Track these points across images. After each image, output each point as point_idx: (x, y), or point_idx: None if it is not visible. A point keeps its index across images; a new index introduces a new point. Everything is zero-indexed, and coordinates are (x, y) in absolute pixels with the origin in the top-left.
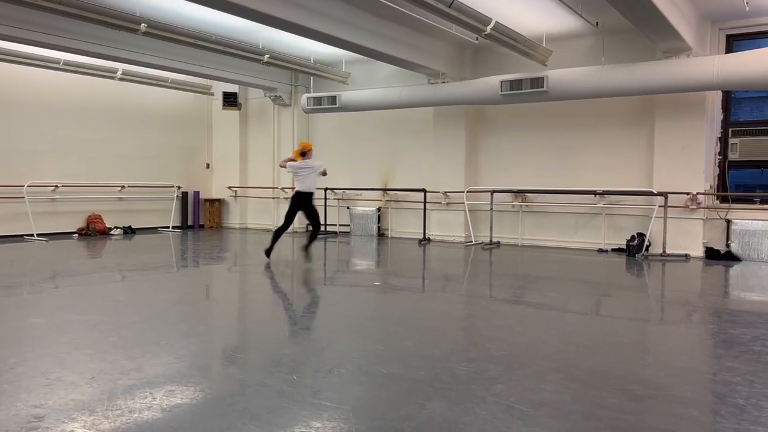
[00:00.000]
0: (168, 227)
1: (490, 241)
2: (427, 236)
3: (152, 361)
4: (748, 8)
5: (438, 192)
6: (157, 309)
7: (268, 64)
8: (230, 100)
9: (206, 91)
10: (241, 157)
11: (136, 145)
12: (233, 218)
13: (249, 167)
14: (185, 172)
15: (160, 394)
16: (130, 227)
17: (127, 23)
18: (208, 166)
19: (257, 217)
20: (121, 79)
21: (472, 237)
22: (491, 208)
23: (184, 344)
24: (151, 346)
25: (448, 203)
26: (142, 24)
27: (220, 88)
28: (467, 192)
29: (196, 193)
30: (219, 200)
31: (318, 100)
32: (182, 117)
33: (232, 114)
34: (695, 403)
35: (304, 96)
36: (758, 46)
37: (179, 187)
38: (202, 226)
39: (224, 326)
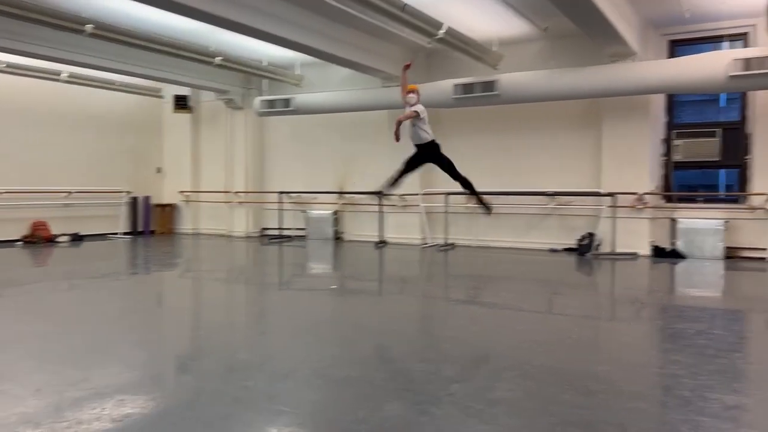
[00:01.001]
0: (117, 234)
1: (446, 242)
2: (383, 239)
3: (101, 370)
4: (688, 15)
5: (394, 195)
6: (106, 318)
7: (220, 66)
8: (181, 103)
9: (156, 94)
10: (193, 161)
11: (83, 149)
12: (185, 223)
13: (201, 171)
14: (135, 177)
15: (110, 404)
16: (77, 234)
17: (72, 24)
18: (158, 170)
19: (210, 222)
20: (66, 82)
21: (428, 239)
22: (446, 210)
23: (134, 353)
24: (100, 355)
25: (404, 206)
26: (88, 25)
27: (170, 90)
28: (423, 194)
29: (147, 198)
30: (170, 205)
31: (271, 103)
32: (131, 120)
33: (184, 117)
34: (644, 397)
35: (258, 99)
36: (698, 51)
37: (129, 192)
38: (153, 232)
39: (177, 334)
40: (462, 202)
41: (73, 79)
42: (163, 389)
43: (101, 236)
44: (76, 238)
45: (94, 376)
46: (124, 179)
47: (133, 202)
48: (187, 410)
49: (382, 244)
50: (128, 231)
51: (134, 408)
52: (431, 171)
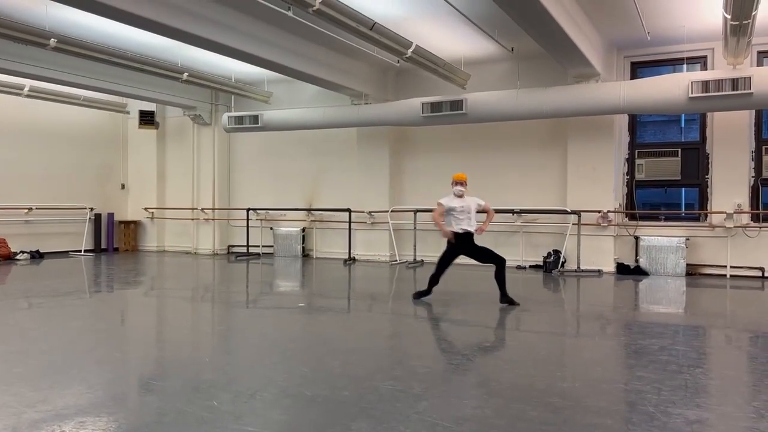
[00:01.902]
0: (80, 251)
1: (414, 259)
2: (352, 256)
3: (62, 391)
4: (649, 38)
5: (363, 212)
6: (67, 337)
7: (187, 82)
8: (147, 119)
9: (121, 109)
10: (159, 178)
11: (44, 165)
12: (150, 241)
13: (167, 188)
14: (99, 193)
15: (70, 426)
16: (38, 251)
17: (35, 38)
18: (123, 186)
19: (176, 240)
20: (28, 96)
21: (397, 256)
22: (415, 227)
23: (96, 373)
24: (60, 376)
25: (372, 223)
26: (52, 39)
27: (136, 106)
28: (391, 211)
29: (110, 215)
30: (135, 222)
31: (239, 120)
32: (95, 136)
33: (149, 133)
34: (609, 412)
35: (225, 115)
36: (659, 73)
37: (92, 209)
38: (116, 250)
39: (140, 353)
40: (430, 219)
41: (36, 94)
42: (125, 410)
43: (63, 254)
44: (36, 256)
45: (53, 397)
46: (87, 195)
47: (97, 219)
48: (151, 431)
49: (350, 261)
50: (91, 248)
51: (95, 430)
52: (399, 186)
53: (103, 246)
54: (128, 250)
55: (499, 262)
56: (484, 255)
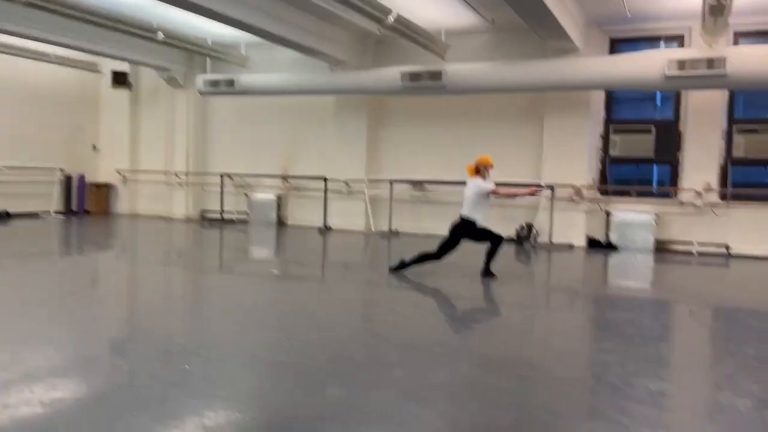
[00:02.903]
0: (49, 212)
1: (390, 229)
2: (327, 225)
3: (31, 353)
4: (629, 14)
5: (339, 181)
6: (37, 299)
7: (162, 43)
8: (120, 79)
9: (94, 68)
10: (132, 140)
11: (13, 123)
12: (122, 204)
13: (140, 150)
14: (69, 154)
15: (40, 388)
16: (6, 212)
17: None
18: (95, 148)
19: (149, 204)
20: None
21: (372, 226)
22: (391, 198)
23: (67, 336)
24: (30, 337)
25: (349, 192)
26: None
27: (109, 66)
28: (368, 181)
29: (82, 177)
30: (107, 185)
31: (215, 83)
32: (67, 95)
33: (122, 94)
34: (575, 382)
35: (201, 78)
36: (638, 50)
37: (62, 170)
38: (87, 212)
39: (112, 317)
40: (406, 190)
41: (5, 50)
42: (96, 373)
43: (32, 215)
44: (4, 216)
45: (23, 359)
46: (57, 156)
47: (67, 181)
48: (122, 394)
49: (325, 229)
50: (61, 210)
51: (66, 392)
52: (376, 156)
53: (74, 208)
54: (99, 213)
55: (495, 241)
56: (484, 237)
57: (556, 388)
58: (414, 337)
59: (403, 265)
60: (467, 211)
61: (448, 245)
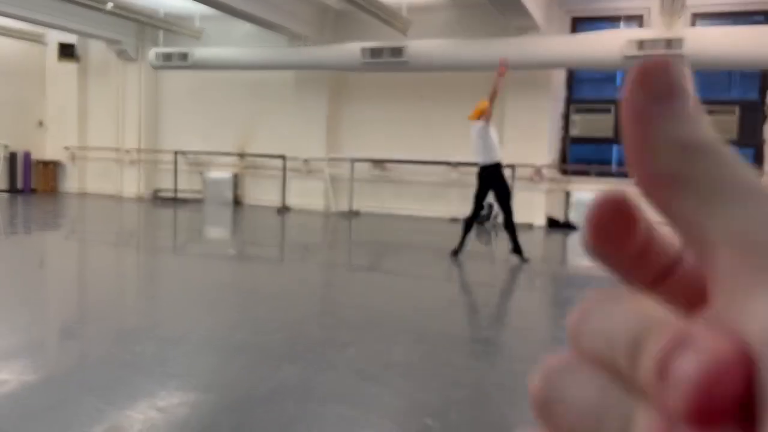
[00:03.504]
0: None
1: (350, 209)
2: (286, 205)
3: None
4: None
5: (298, 159)
6: None
7: (111, 13)
8: (67, 52)
9: (39, 39)
10: (80, 115)
11: None
12: (71, 182)
13: (89, 126)
14: (13, 130)
15: None
16: None
17: None
18: (40, 124)
19: (99, 182)
20: None
21: (333, 205)
22: (351, 177)
23: (13, 317)
24: None
25: (308, 171)
26: None
27: (55, 37)
28: (328, 160)
29: (27, 154)
30: (54, 162)
31: (167, 56)
32: (9, 67)
33: (70, 67)
34: (531, 360)
35: (153, 51)
36: (599, 29)
37: (6, 147)
38: (34, 191)
39: (60, 298)
40: (368, 169)
41: None
42: (45, 355)
43: None
44: None
45: None
46: (0, 132)
47: (12, 158)
48: (72, 375)
49: (284, 209)
50: (5, 189)
51: (12, 374)
52: (336, 135)
53: (19, 186)
54: (46, 192)
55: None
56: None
57: (512, 366)
58: (371, 317)
59: (461, 247)
60: (482, 158)
61: (480, 197)
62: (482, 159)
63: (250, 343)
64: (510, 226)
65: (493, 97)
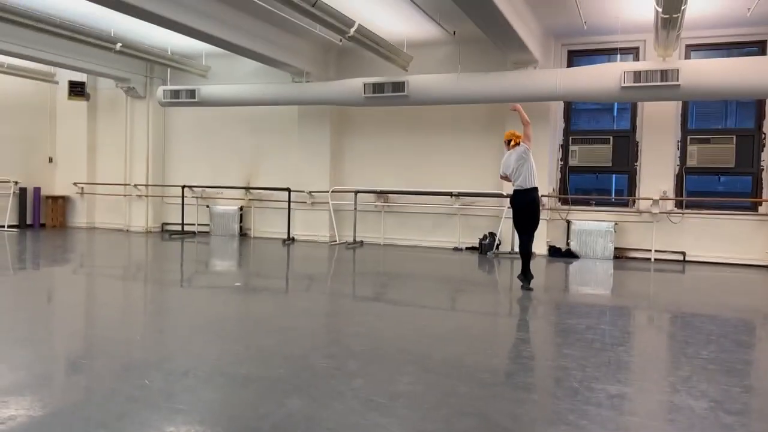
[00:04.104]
0: (3, 226)
1: (354, 240)
2: (291, 236)
3: None
4: (585, 27)
5: (303, 191)
6: None
7: (120, 53)
8: (77, 90)
9: (50, 78)
10: (89, 151)
11: None
12: (79, 217)
13: (98, 162)
14: (24, 166)
15: None
16: None
17: None
18: (50, 160)
19: (107, 216)
20: None
21: (337, 237)
22: (355, 208)
23: (20, 352)
24: None
25: (312, 203)
26: None
27: (65, 76)
28: (332, 192)
29: (37, 190)
30: (63, 197)
31: (175, 93)
32: (21, 106)
33: (79, 104)
34: (536, 388)
35: (161, 89)
36: (595, 62)
37: (16, 183)
38: (43, 226)
39: (67, 332)
40: (371, 200)
41: None
42: (51, 389)
43: None
44: None
45: None
46: (11, 169)
47: (22, 194)
48: (79, 410)
49: (289, 241)
50: (15, 224)
51: (19, 410)
52: (340, 167)
53: (29, 222)
54: (56, 227)
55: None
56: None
57: (517, 394)
58: (377, 347)
59: (526, 277)
60: (527, 181)
61: (526, 224)
62: (528, 182)
63: (256, 375)
64: (530, 252)
65: (526, 124)
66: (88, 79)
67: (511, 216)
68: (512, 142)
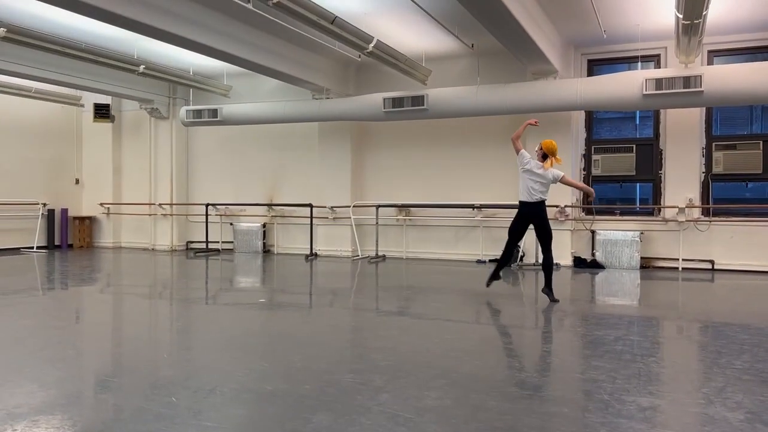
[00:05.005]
0: (32, 248)
1: (376, 254)
2: (314, 251)
3: (13, 390)
4: (605, 36)
5: (324, 207)
6: (18, 335)
7: (143, 75)
8: (102, 112)
9: (75, 102)
10: (115, 172)
11: None
12: (106, 237)
13: (123, 183)
14: (52, 188)
15: (22, 425)
16: None
17: None
18: (77, 181)
19: (132, 236)
20: None
21: (359, 251)
22: (377, 223)
23: (50, 371)
24: (12, 374)
25: (334, 218)
26: (2, 28)
27: (90, 98)
28: (353, 206)
29: (64, 211)
30: (90, 218)
31: (198, 113)
32: (48, 129)
33: (104, 126)
34: (566, 401)
35: (183, 109)
36: (615, 71)
37: (45, 204)
38: (71, 246)
39: (96, 350)
40: (392, 214)
41: None
42: (80, 408)
43: (14, 251)
44: None
45: (4, 396)
46: (39, 191)
47: (50, 215)
48: (108, 429)
49: (312, 256)
50: (44, 245)
51: (49, 428)
52: (361, 182)
53: (57, 242)
54: (83, 247)
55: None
56: (545, 234)
57: (546, 407)
58: (402, 361)
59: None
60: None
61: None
62: (546, 196)
63: (282, 392)
64: (552, 265)
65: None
66: (112, 102)
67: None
68: (549, 160)
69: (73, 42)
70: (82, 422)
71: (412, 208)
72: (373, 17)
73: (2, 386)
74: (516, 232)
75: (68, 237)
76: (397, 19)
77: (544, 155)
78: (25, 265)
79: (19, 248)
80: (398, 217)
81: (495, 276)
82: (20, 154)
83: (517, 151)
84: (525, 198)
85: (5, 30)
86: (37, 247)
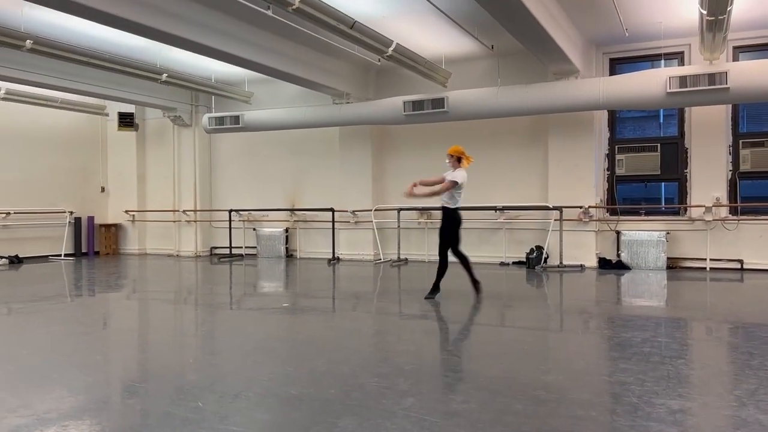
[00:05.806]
0: (60, 255)
1: (398, 258)
2: (336, 256)
3: (43, 396)
4: (627, 34)
5: (346, 211)
6: (48, 341)
7: (166, 83)
8: (126, 121)
9: (100, 111)
10: (139, 180)
11: (22, 168)
12: (131, 244)
13: (147, 190)
14: (78, 197)
15: (52, 430)
16: (16, 256)
17: (10, 39)
18: (103, 189)
19: (157, 242)
20: (4, 99)
21: (381, 255)
22: (398, 226)
23: (78, 377)
24: (41, 380)
25: (356, 222)
26: (28, 40)
27: (115, 108)
28: (375, 210)
29: (91, 219)
30: (115, 225)
31: (220, 120)
32: (74, 138)
33: (129, 135)
34: (593, 404)
35: (206, 116)
36: (637, 69)
37: (71, 213)
38: (97, 253)
39: (123, 356)
40: (414, 217)
41: (12, 96)
42: (108, 413)
43: (42, 258)
44: (15, 261)
45: (34, 402)
46: (66, 199)
47: (77, 223)
48: None
49: (334, 260)
50: (71, 252)
51: None
52: (382, 185)
53: (84, 250)
54: (109, 254)
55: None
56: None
57: (573, 411)
58: (427, 365)
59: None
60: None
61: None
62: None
63: (307, 396)
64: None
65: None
66: (136, 110)
67: (452, 232)
68: (464, 160)
69: (98, 52)
70: (110, 427)
71: (433, 211)
72: (392, 20)
73: (32, 392)
74: (458, 239)
75: (95, 244)
76: (416, 22)
77: (459, 158)
78: (53, 272)
79: (47, 256)
80: (420, 220)
81: (435, 288)
82: (47, 163)
83: (453, 186)
84: (457, 205)
85: (32, 42)
86: (65, 255)
